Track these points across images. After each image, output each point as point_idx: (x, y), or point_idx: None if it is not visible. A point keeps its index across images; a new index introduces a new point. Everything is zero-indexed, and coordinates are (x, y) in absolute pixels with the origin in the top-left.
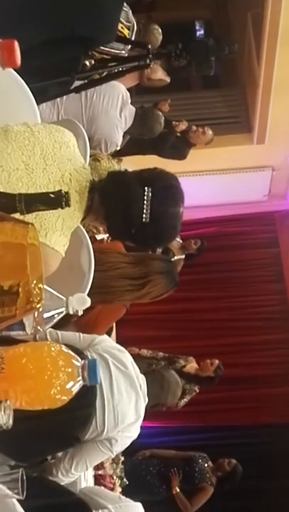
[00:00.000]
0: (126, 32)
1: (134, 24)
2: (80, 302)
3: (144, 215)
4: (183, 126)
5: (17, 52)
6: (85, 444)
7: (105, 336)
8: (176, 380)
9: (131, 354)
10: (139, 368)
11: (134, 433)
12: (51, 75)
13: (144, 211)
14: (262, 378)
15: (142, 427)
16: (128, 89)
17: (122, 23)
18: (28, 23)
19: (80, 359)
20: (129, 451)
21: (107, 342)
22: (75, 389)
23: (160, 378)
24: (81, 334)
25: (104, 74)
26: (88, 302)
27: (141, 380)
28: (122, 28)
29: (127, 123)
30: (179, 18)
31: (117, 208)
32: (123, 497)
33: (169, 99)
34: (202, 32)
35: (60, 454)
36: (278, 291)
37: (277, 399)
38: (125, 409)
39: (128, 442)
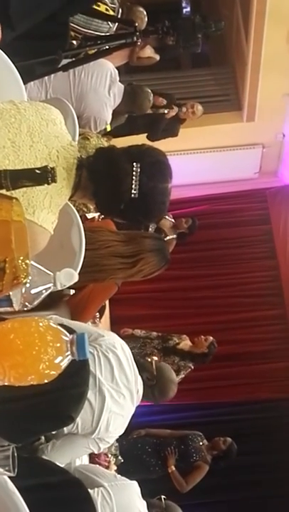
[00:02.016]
0: (111, 13)
1: (118, 6)
2: (68, 277)
3: (132, 191)
4: (173, 112)
5: None
6: (73, 438)
7: (112, 335)
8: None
9: (124, 335)
10: (134, 348)
11: (122, 431)
12: (38, 54)
13: (133, 186)
14: (256, 354)
15: (137, 406)
16: (117, 68)
17: (106, 4)
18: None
19: (68, 334)
20: (124, 430)
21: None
22: (64, 364)
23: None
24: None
25: (92, 52)
26: (76, 277)
27: (139, 385)
28: (106, 9)
29: (115, 100)
30: None
31: (106, 183)
32: (118, 475)
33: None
34: (188, 9)
35: (53, 434)
36: (271, 267)
37: (271, 374)
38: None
39: (113, 440)
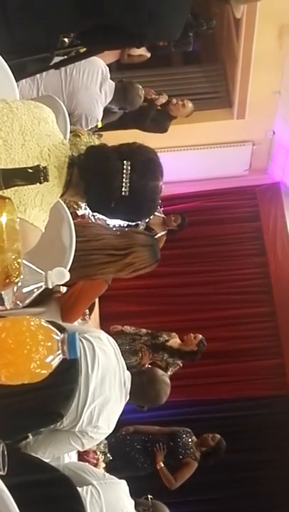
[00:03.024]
0: None
1: None
2: (59, 276)
3: (123, 189)
4: (163, 99)
5: None
6: (56, 434)
7: (98, 330)
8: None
9: (114, 331)
10: (123, 344)
11: (108, 430)
12: (30, 52)
13: (124, 184)
14: (245, 351)
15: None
16: (108, 65)
17: None
18: None
19: (59, 333)
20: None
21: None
22: (55, 363)
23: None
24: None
25: (84, 50)
26: (67, 276)
27: (126, 378)
28: None
29: (107, 98)
30: None
31: (97, 181)
32: (107, 474)
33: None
34: None
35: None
36: (260, 264)
37: (260, 372)
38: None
39: (101, 438)
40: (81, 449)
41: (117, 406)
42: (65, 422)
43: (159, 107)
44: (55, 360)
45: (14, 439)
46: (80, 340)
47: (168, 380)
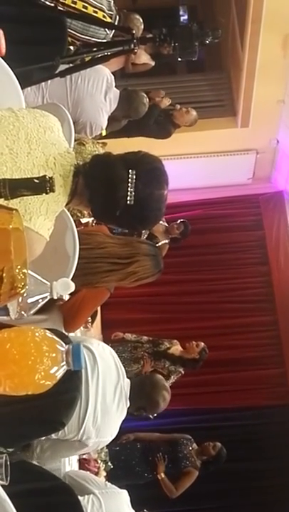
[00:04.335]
0: (108, 20)
1: (116, 13)
2: (65, 287)
3: (128, 197)
4: (166, 102)
5: (2, 41)
6: (63, 443)
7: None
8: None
9: (115, 339)
10: (124, 352)
11: (111, 437)
12: (36, 60)
13: (129, 193)
14: (247, 360)
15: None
16: (113, 73)
17: (103, 11)
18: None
19: (64, 344)
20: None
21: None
22: (59, 374)
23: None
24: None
25: (89, 58)
26: (72, 287)
27: (126, 386)
28: (103, 16)
29: (111, 106)
30: (163, 3)
31: (102, 190)
32: (109, 483)
33: (163, 92)
34: (186, 17)
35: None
36: (263, 273)
37: (262, 381)
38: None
39: (103, 445)
40: (87, 452)
41: (118, 413)
42: (67, 431)
43: (162, 109)
44: (59, 372)
45: (16, 447)
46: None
47: (167, 385)
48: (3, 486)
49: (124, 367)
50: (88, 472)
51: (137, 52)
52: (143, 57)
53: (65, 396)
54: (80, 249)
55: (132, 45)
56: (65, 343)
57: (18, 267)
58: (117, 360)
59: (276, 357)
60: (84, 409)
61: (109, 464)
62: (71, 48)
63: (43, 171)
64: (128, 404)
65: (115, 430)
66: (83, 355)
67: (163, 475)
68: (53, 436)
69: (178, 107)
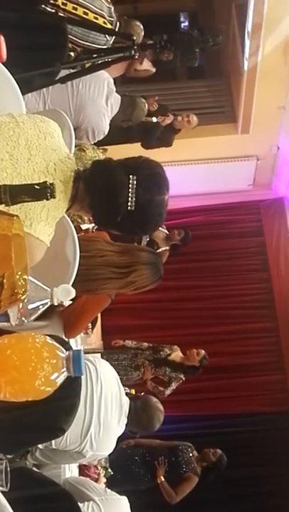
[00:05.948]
0: (108, 27)
1: (116, 19)
2: (65, 293)
3: (129, 203)
4: (168, 120)
5: (3, 46)
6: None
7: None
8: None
9: (116, 346)
10: (125, 359)
11: (108, 451)
12: (36, 66)
13: (130, 199)
14: (247, 367)
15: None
16: (113, 79)
17: (104, 17)
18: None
19: (64, 350)
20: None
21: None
22: (60, 380)
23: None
24: None
25: (90, 64)
26: (73, 293)
27: (125, 401)
28: (104, 22)
29: (113, 111)
30: (163, 9)
31: (102, 196)
32: (109, 490)
33: (156, 97)
34: (187, 23)
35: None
36: (263, 279)
37: (262, 387)
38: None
39: (100, 457)
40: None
41: (118, 428)
42: (69, 442)
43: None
44: (60, 378)
45: (16, 453)
46: (85, 363)
47: (161, 407)
48: (3, 492)
49: (125, 374)
50: (88, 478)
51: (139, 59)
52: (144, 64)
53: (65, 402)
54: (79, 256)
55: (133, 52)
56: (66, 350)
57: (19, 273)
58: (117, 377)
59: (276, 363)
60: (88, 422)
61: (110, 470)
62: (71, 54)
63: (44, 176)
64: (126, 421)
65: (112, 445)
66: (86, 369)
67: (162, 478)
68: (53, 445)
69: (179, 118)
